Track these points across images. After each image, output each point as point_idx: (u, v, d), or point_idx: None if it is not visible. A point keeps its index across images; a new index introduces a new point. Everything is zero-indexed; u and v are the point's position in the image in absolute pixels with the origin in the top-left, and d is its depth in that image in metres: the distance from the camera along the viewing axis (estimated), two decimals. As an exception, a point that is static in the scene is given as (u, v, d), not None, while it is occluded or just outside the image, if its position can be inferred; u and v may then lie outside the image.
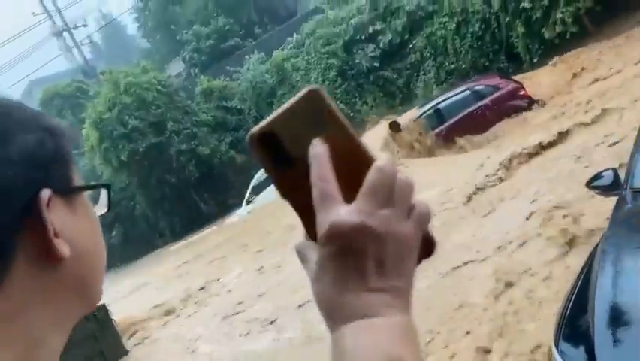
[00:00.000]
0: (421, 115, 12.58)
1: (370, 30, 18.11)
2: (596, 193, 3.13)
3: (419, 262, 0.46)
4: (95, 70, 27.62)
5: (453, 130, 11.81)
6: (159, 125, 19.43)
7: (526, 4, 14.35)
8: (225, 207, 19.70)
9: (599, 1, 13.17)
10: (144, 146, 18.92)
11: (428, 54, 17.10)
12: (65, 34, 29.09)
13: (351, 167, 0.45)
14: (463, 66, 16.05)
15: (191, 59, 24.77)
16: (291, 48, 20.29)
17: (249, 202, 16.41)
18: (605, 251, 2.40)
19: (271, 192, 12.30)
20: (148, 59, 24.57)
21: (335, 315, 0.43)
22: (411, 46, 17.48)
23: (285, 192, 0.46)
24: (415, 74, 17.56)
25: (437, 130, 12.10)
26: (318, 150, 0.44)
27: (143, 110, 19.25)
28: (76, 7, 45.69)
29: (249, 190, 16.58)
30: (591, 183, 3.04)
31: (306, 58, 19.35)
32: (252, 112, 20.20)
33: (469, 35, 15.96)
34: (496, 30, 15.40)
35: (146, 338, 8.25)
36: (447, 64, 16.66)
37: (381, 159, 0.45)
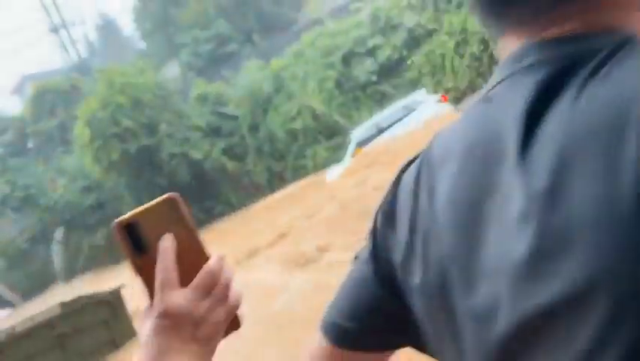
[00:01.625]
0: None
1: (370, 44, 18.17)
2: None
3: (227, 333, 0.61)
4: (90, 68, 27.41)
5: None
6: (152, 127, 19.25)
7: None
8: (212, 214, 19.48)
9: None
10: (136, 147, 18.71)
11: (426, 71, 17.15)
12: (62, 31, 28.86)
13: (191, 260, 0.59)
14: (461, 85, 16.10)
15: (188, 62, 24.67)
16: (289, 57, 20.29)
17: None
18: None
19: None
20: (144, 60, 24.42)
21: None
22: (409, 62, 17.53)
23: (137, 273, 0.58)
24: (413, 91, 17.60)
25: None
26: (166, 245, 0.58)
27: (137, 110, 19.06)
28: (74, 4, 45.48)
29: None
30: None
31: (304, 67, 19.34)
32: (246, 119, 20.08)
33: (468, 55, 16.05)
34: (494, 51, 15.48)
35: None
36: (445, 82, 16.71)
37: (212, 259, 0.60)
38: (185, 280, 0.58)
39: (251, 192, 19.55)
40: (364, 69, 18.14)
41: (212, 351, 0.60)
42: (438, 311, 0.47)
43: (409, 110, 13.72)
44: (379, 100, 18.22)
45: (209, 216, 19.35)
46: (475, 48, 15.86)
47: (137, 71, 20.06)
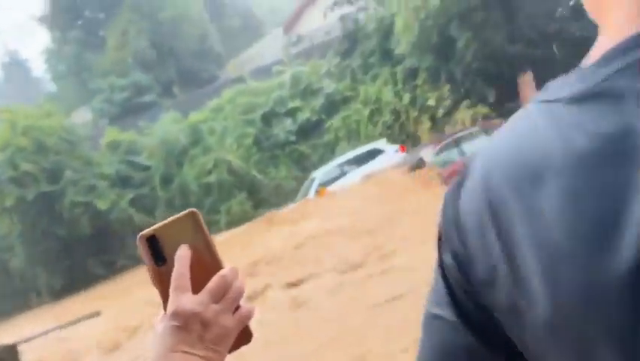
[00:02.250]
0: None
1: (289, 105, 18.75)
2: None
3: (236, 346, 0.64)
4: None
5: None
6: (55, 173, 18.08)
7: (431, 103, 15.87)
8: (114, 268, 18.31)
9: (494, 110, 14.90)
10: (34, 193, 17.39)
11: (343, 135, 17.93)
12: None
13: (206, 271, 0.63)
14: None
15: (101, 109, 23.84)
16: (209, 111, 20.30)
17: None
18: None
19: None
20: (53, 102, 23.26)
21: None
22: (327, 126, 18.25)
23: (156, 283, 0.63)
24: (330, 153, 18.22)
25: None
26: (182, 253, 0.63)
27: (40, 155, 17.91)
28: (-21, 38, 42.82)
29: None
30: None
31: (222, 123, 19.41)
32: (159, 170, 19.51)
33: (381, 123, 17.06)
34: (405, 121, 16.62)
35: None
36: (359, 147, 17.53)
37: (226, 268, 0.64)
38: (198, 287, 0.62)
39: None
40: (283, 129, 18.59)
41: (219, 358, 0.62)
42: (580, 342, 0.40)
43: (370, 156, 14.98)
44: (297, 159, 18.62)
45: (111, 271, 18.14)
46: (387, 118, 16.96)
47: (44, 114, 19.01)
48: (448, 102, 16.13)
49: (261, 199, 18.00)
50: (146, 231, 0.63)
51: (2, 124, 18.09)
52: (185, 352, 0.59)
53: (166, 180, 19.37)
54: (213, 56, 27.65)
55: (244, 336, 0.64)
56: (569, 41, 15.67)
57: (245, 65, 23.33)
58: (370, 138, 17.15)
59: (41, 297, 18.56)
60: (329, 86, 18.84)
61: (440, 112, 16.27)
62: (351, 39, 19.58)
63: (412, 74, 17.36)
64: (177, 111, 20.58)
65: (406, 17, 15.50)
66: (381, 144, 15.53)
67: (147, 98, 23.82)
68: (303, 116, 18.50)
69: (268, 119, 18.88)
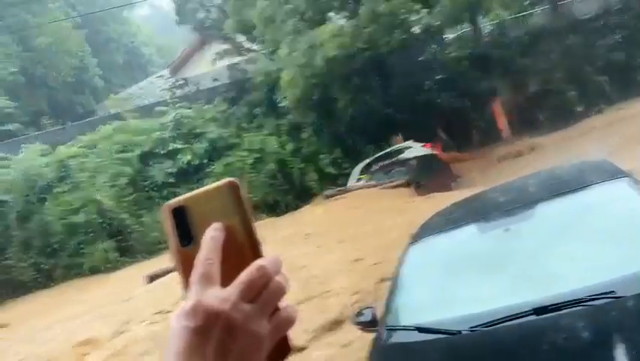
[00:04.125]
0: None
1: (171, 147, 18.32)
2: (360, 329, 3.53)
3: (273, 360, 0.48)
4: None
5: None
6: None
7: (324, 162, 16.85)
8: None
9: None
10: None
11: (224, 181, 17.89)
12: None
13: (241, 259, 0.49)
14: (255, 198, 17.10)
15: (-48, 133, 21.22)
16: (81, 146, 19.04)
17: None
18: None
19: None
20: None
21: None
22: (209, 170, 18.09)
23: (180, 266, 0.50)
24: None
25: None
26: (214, 234, 0.49)
27: None
28: None
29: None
30: (355, 320, 3.42)
31: (96, 160, 18.30)
32: (16, 206, 17.63)
33: (265, 171, 17.36)
34: (290, 171, 17.17)
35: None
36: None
37: (266, 258, 0.49)
38: (228, 279, 0.48)
39: (9, 289, 16.60)
40: (162, 170, 18.02)
41: None
42: None
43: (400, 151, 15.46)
44: (175, 202, 18.07)
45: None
46: (272, 166, 17.31)
47: None
48: (332, 156, 17.10)
49: (127, 247, 17.00)
50: (174, 201, 0.51)
51: None
52: None
53: (23, 218, 17.52)
54: (91, 89, 26.28)
55: (281, 349, 0.49)
56: (436, 109, 17.65)
57: (126, 102, 22.47)
58: (252, 186, 17.30)
59: None
60: (213, 131, 18.83)
61: (325, 164, 17.10)
62: (238, 88, 19.98)
63: (297, 127, 18.14)
64: (45, 143, 19.00)
65: (292, 73, 16.29)
66: (410, 143, 15.81)
67: (10, 126, 21.74)
68: (185, 158, 18.16)
69: (146, 159, 18.22)
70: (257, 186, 17.12)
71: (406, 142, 16.10)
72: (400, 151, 15.52)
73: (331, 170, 17.24)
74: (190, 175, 18.22)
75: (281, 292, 0.49)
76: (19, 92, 22.90)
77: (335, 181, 16.55)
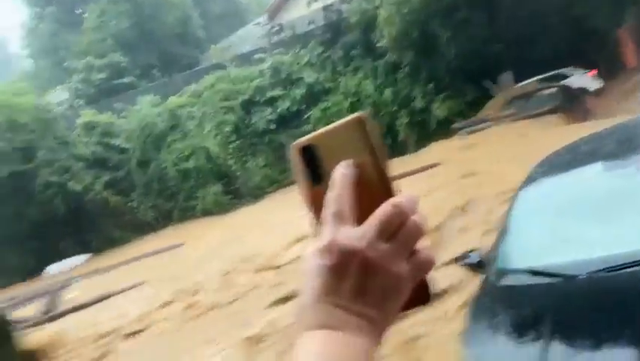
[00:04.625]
0: None
1: (269, 94, 18.78)
2: (466, 269, 3.48)
3: (409, 307, 0.47)
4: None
5: None
6: (28, 152, 17.80)
7: (417, 104, 16.25)
8: (89, 249, 18.20)
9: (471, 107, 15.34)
10: (6, 172, 17.09)
11: (322, 126, 18.01)
12: None
13: (374, 197, 0.47)
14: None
15: (78, 89, 23.42)
16: (188, 96, 20.18)
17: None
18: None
19: None
20: (30, 81, 22.77)
21: (303, 321, 0.45)
22: (307, 116, 18.37)
23: (310, 205, 0.49)
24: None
25: None
26: (344, 172, 0.47)
27: (12, 133, 17.56)
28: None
29: None
30: (461, 262, 3.37)
31: (202, 109, 19.34)
32: (136, 153, 19.36)
33: (360, 116, 17.28)
34: (384, 115, 16.87)
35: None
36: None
37: (401, 196, 0.47)
38: (361, 218, 0.46)
39: (134, 229, 18.60)
40: (263, 117, 18.62)
41: (382, 324, 0.45)
42: None
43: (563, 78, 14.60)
44: (276, 148, 18.72)
45: (85, 252, 18.03)
46: (368, 110, 17.16)
47: (17, 91, 18.63)
48: (427, 98, 16.47)
49: (235, 191, 18.08)
50: (302, 139, 0.50)
51: (-25, 100, 17.69)
52: (337, 305, 0.44)
53: (143, 164, 19.24)
54: (194, 40, 27.37)
55: (420, 294, 0.47)
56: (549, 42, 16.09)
57: (226, 51, 23.16)
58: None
59: (14, 278, 18.29)
60: (310, 76, 18.93)
61: (419, 107, 16.59)
62: (333, 30, 19.67)
63: (393, 68, 17.59)
64: (156, 95, 20.39)
65: (389, 10, 15.68)
66: (570, 70, 15.28)
67: (126, 79, 23.50)
68: (283, 105, 18.57)
69: (247, 107, 18.89)
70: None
71: (568, 68, 15.03)
72: (559, 77, 14.58)
73: (431, 114, 16.68)
74: (289, 121, 18.65)
75: (419, 232, 0.46)
76: (132, 47, 24.51)
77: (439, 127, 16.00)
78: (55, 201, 18.08)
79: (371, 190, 0.48)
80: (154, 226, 18.44)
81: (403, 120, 16.68)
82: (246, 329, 5.47)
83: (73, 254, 17.99)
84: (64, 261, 17.21)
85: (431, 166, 11.62)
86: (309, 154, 0.49)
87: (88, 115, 20.12)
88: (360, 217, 0.46)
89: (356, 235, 0.44)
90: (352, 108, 17.54)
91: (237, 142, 18.55)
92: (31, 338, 7.28)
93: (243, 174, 18.13)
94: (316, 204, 0.48)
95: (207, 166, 18.28)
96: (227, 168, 18.27)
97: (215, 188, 17.91)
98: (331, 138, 0.49)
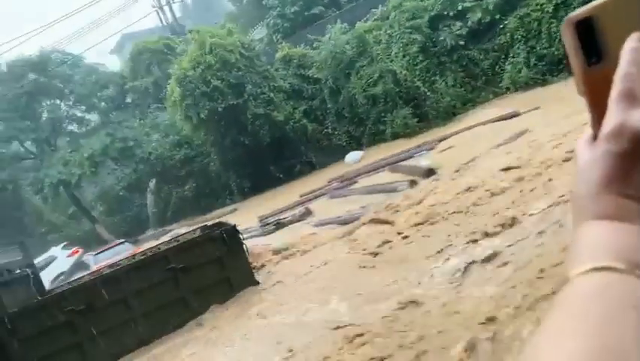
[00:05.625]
0: None
1: (459, 7, 17.47)
2: None
3: None
4: (184, 28, 28.66)
5: None
6: (239, 88, 19.95)
7: None
8: (292, 173, 20.12)
9: None
10: (223, 106, 19.52)
11: (519, 36, 16.30)
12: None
13: None
14: (556, 52, 15.19)
15: (275, 24, 25.03)
16: (374, 20, 20.02)
17: None
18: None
19: None
20: (233, 22, 25.12)
21: (584, 212, 0.41)
22: (501, 26, 16.73)
23: (585, 89, 0.43)
24: (503, 57, 16.84)
25: None
26: (635, 46, 0.41)
27: (225, 71, 19.77)
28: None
29: None
30: None
31: (388, 31, 19.03)
32: (328, 82, 20.25)
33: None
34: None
35: (272, 273, 7.72)
36: (539, 48, 15.83)
37: None
38: None
39: (331, 153, 19.87)
40: (452, 33, 17.54)
41: None
42: None
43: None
44: (466, 65, 17.63)
45: (290, 175, 20.04)
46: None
47: (226, 33, 20.70)
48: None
49: (423, 114, 17.73)
50: (578, 12, 0.43)
51: (194, 44, 20.26)
52: (627, 195, 0.39)
53: (334, 93, 20.08)
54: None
55: None
56: None
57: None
58: (553, 39, 15.31)
59: (233, 196, 21.50)
60: (505, -19, 16.97)
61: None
62: None
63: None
64: (344, 21, 20.69)
65: None
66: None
67: (315, 10, 24.28)
68: (475, 17, 17.14)
69: (435, 23, 17.94)
70: (559, 37, 15.06)
71: None
72: None
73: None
74: (481, 35, 17.25)
75: None
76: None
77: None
78: (262, 131, 20.19)
79: None
80: (348, 149, 19.45)
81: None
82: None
83: (280, 179, 20.13)
84: (356, 152, 18.43)
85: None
86: (586, 29, 0.43)
87: (284, 49, 21.53)
88: None
89: None
90: (557, 11, 15.33)
91: (425, 62, 17.96)
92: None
93: (431, 96, 17.65)
94: (594, 89, 0.43)
95: (395, 90, 18.23)
96: (414, 90, 17.96)
97: (403, 112, 17.87)
98: (615, 8, 0.42)
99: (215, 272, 7.04)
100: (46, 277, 14.64)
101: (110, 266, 8.72)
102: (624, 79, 0.40)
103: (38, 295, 7.29)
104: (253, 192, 20.23)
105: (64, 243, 18.88)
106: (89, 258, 15.44)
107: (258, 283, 7.23)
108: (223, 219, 10.79)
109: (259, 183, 20.28)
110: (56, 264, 15.91)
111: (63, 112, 28.29)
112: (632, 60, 0.40)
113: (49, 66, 26.49)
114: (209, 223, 9.36)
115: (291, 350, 4.72)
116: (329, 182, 15.05)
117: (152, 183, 24.77)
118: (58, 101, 28.12)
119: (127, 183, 25.07)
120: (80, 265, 14.92)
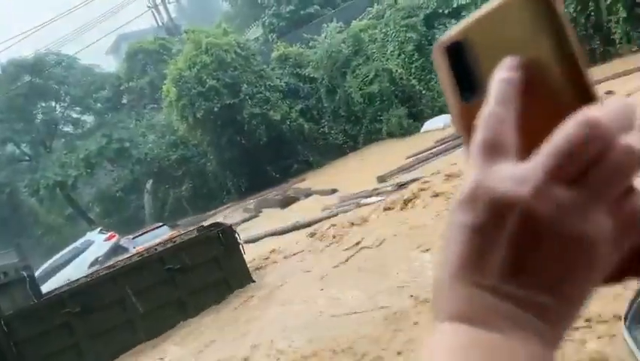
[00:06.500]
0: None
1: (455, 4, 17.49)
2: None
3: (619, 278, 0.30)
4: (179, 28, 28.63)
5: None
6: (234, 87, 19.93)
7: None
8: (289, 173, 20.11)
9: None
10: (219, 106, 19.50)
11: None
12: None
13: (556, 110, 0.29)
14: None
15: (271, 23, 25.02)
16: (370, 18, 20.01)
17: None
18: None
19: None
20: (229, 21, 25.10)
21: (438, 306, 0.30)
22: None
23: (461, 127, 0.33)
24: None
25: None
26: (506, 76, 0.30)
27: (221, 70, 19.76)
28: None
29: None
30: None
31: (384, 30, 19.03)
32: (324, 81, 20.25)
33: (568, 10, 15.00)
34: (592, 13, 14.40)
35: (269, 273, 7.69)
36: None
37: (601, 107, 0.28)
38: (532, 147, 0.29)
39: (326, 152, 19.87)
40: (448, 30, 17.53)
41: (560, 316, 0.29)
42: None
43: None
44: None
45: (287, 175, 20.03)
46: (571, 9, 14.69)
47: (222, 32, 20.69)
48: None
49: (418, 113, 17.74)
50: (448, 35, 0.35)
51: (189, 44, 20.23)
52: (480, 285, 0.29)
53: (331, 92, 20.07)
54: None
55: (634, 262, 0.30)
56: None
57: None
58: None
59: (230, 195, 21.48)
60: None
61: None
62: None
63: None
64: (340, 20, 20.67)
65: None
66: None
67: (311, 9, 24.27)
68: (470, 13, 17.13)
69: (430, 21, 17.95)
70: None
71: None
72: None
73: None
74: (476, 32, 17.25)
75: (629, 165, 0.28)
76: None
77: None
78: (258, 130, 20.17)
79: (553, 101, 0.30)
80: (345, 148, 19.44)
81: (619, 16, 14.01)
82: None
83: (276, 179, 20.11)
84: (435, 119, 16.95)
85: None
86: (459, 55, 0.33)
87: (280, 48, 21.51)
88: (532, 146, 0.29)
89: (516, 176, 0.28)
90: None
91: (420, 60, 17.97)
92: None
93: (427, 95, 17.66)
94: (470, 126, 0.32)
95: (390, 88, 18.23)
96: (410, 88, 17.97)
97: (399, 111, 17.87)
98: (490, 28, 0.32)
99: (212, 273, 7.08)
100: (84, 262, 14.91)
101: (107, 268, 8.71)
102: (487, 122, 0.30)
103: (34, 297, 7.28)
104: (250, 191, 20.22)
105: (100, 228, 18.64)
106: (127, 241, 15.34)
107: (254, 281, 7.33)
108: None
109: (256, 182, 20.26)
110: (93, 248, 15.85)
111: (58, 113, 28.23)
112: (500, 96, 0.30)
113: (45, 68, 26.42)
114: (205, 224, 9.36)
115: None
116: (436, 143, 13.57)
117: (148, 184, 24.74)
118: (53, 103, 28.06)
119: (123, 184, 25.04)
120: (117, 249, 14.80)
